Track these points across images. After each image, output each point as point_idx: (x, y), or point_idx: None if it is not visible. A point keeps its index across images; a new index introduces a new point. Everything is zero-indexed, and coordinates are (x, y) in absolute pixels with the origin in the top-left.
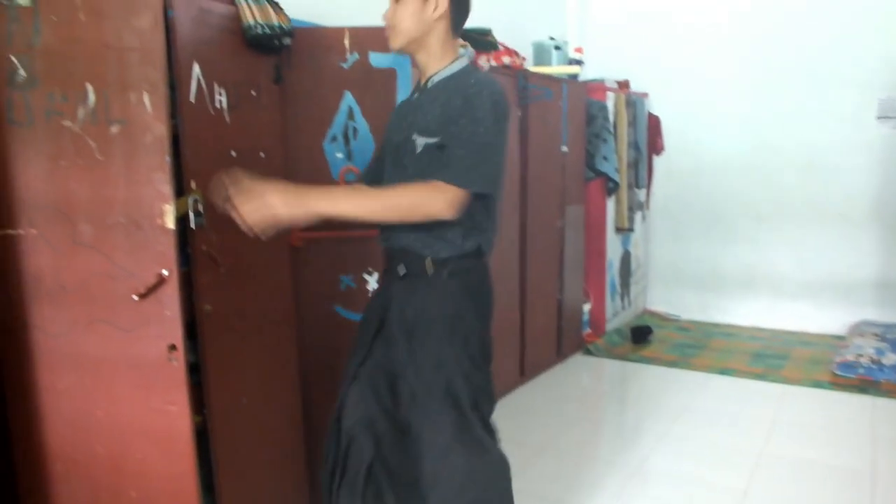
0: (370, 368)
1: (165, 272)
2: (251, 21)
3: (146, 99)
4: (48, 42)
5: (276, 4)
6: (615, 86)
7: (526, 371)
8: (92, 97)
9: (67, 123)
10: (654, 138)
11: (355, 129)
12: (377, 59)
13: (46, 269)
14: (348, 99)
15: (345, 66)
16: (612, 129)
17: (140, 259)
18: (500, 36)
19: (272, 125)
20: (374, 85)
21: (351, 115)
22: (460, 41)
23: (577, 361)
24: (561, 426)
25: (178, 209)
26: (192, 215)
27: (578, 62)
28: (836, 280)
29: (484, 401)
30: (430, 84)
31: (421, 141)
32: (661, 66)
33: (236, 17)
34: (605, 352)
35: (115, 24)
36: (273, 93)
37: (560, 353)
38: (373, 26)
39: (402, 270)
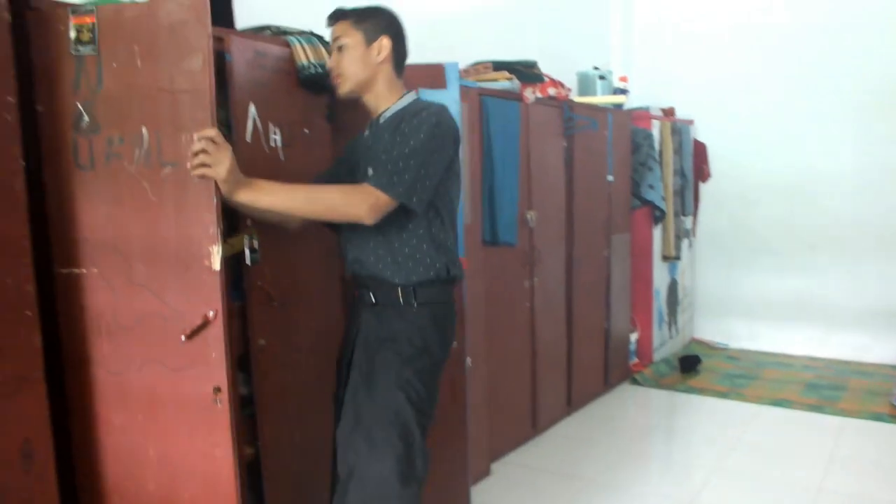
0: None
1: (211, 313)
2: (305, 61)
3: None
4: (109, 87)
5: (329, 44)
6: (660, 113)
7: (573, 401)
8: (146, 139)
9: (125, 165)
10: (700, 165)
11: None
12: (425, 96)
13: (106, 308)
14: None
15: None
16: (657, 157)
17: (189, 299)
18: (544, 67)
19: (324, 162)
20: None
21: None
22: (403, 84)
23: (625, 391)
24: (609, 459)
25: (234, 246)
26: (247, 252)
27: (623, 91)
28: (894, 308)
29: (425, 423)
30: (381, 120)
31: (371, 171)
32: (707, 92)
33: (290, 59)
34: (653, 382)
35: (168, 68)
36: (325, 130)
37: (607, 382)
38: (421, 64)
39: (371, 299)
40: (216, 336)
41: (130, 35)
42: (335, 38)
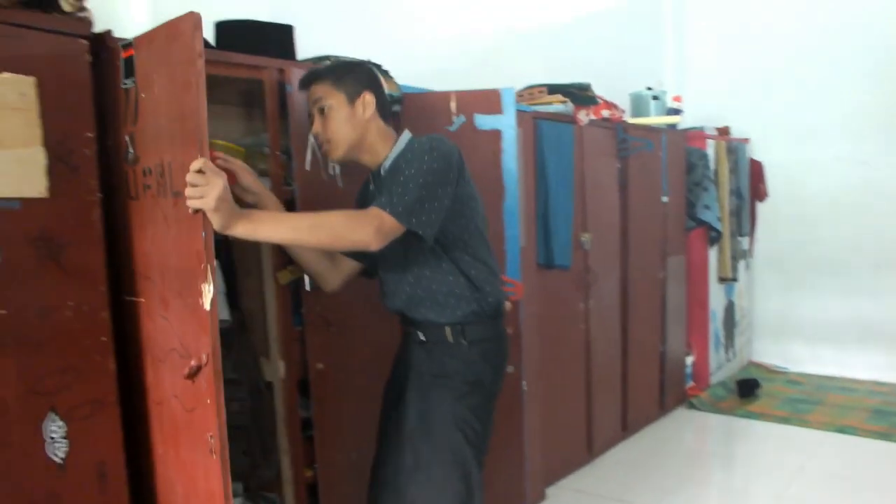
0: (392, 442)
1: (204, 357)
2: None
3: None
4: (141, 119)
5: (386, 73)
6: (715, 132)
7: (628, 425)
8: (164, 170)
9: (153, 195)
10: (756, 184)
11: None
12: (482, 122)
13: (149, 338)
14: None
15: (451, 129)
16: (713, 176)
17: (195, 338)
18: (598, 89)
19: None
20: (480, 147)
21: None
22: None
23: (681, 416)
24: (666, 485)
25: (293, 272)
26: (306, 278)
27: (677, 111)
28: None
29: (481, 458)
30: (383, 172)
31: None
32: (762, 110)
33: None
34: (710, 406)
35: (177, 94)
36: None
37: (663, 406)
38: (478, 90)
39: (420, 337)
40: (208, 381)
41: (156, 64)
42: (315, 101)
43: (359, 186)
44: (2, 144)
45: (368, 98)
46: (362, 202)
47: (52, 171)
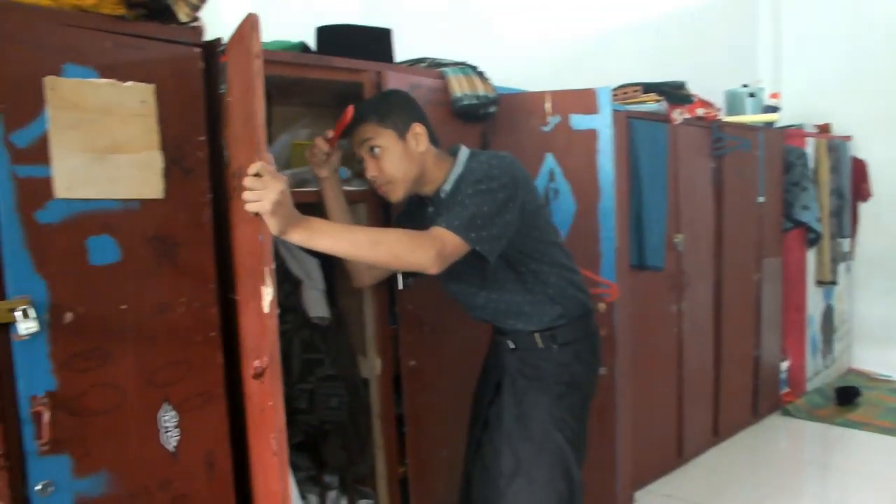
0: (488, 446)
1: (259, 364)
2: (459, 93)
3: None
4: (229, 123)
5: (482, 74)
6: (815, 130)
7: (720, 431)
8: (239, 173)
9: (237, 196)
10: (859, 184)
11: (556, 191)
12: (578, 121)
13: (243, 335)
14: (549, 161)
15: (546, 129)
16: (812, 176)
17: (258, 340)
18: (692, 87)
19: None
20: (575, 147)
21: (552, 177)
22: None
23: (775, 423)
24: (759, 493)
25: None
26: (400, 277)
27: (775, 109)
28: None
29: (581, 458)
30: (443, 195)
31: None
32: (865, 106)
33: (444, 89)
34: (806, 413)
35: (243, 96)
36: None
37: (756, 413)
38: (573, 89)
39: (511, 345)
40: (268, 384)
41: (235, 68)
42: (362, 143)
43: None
44: (125, 149)
45: (419, 129)
46: (409, 220)
47: (168, 174)
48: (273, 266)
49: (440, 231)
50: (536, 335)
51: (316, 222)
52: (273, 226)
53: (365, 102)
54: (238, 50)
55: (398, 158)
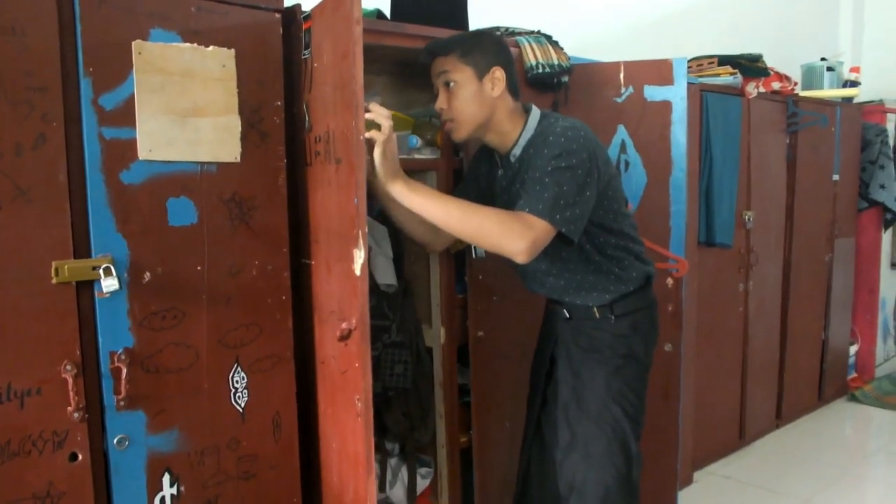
0: (546, 422)
1: (354, 322)
2: (533, 61)
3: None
4: (314, 88)
5: (556, 43)
6: None
7: (783, 414)
8: (329, 136)
9: (321, 162)
10: None
11: (627, 162)
12: (652, 93)
13: (317, 298)
14: (621, 132)
15: (619, 100)
16: (891, 154)
17: (346, 302)
18: (769, 60)
19: None
20: (648, 118)
21: (623, 149)
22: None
23: (841, 408)
24: (823, 479)
25: (463, 242)
26: (473, 247)
27: (854, 84)
28: None
29: (639, 431)
30: (512, 159)
31: (524, 201)
32: None
33: (518, 58)
34: (874, 399)
35: (337, 63)
36: None
37: (821, 397)
38: (648, 60)
39: (566, 314)
40: (357, 345)
41: (323, 35)
42: (439, 74)
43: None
44: (205, 112)
45: (499, 74)
46: (476, 182)
47: (245, 138)
48: (366, 229)
49: (529, 218)
50: (594, 309)
51: (415, 182)
52: (382, 171)
53: (454, 36)
54: (335, 16)
55: (471, 98)
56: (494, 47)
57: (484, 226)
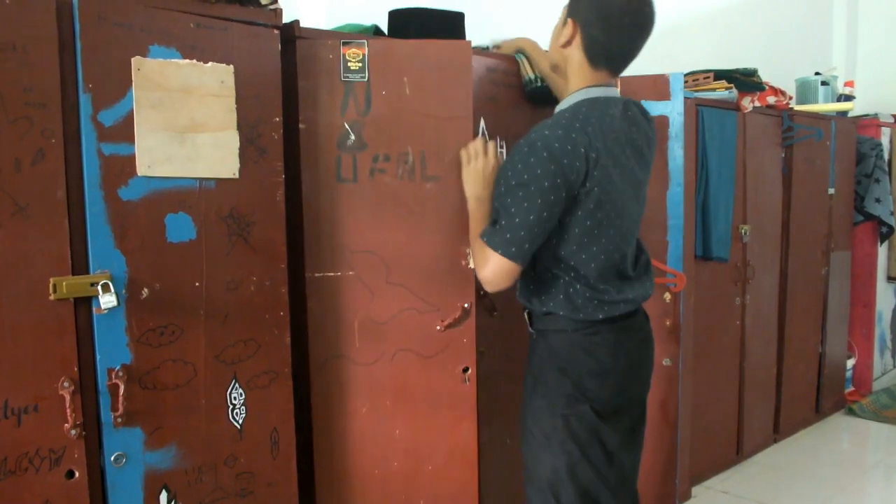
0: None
1: (467, 305)
2: (531, 75)
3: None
4: (377, 111)
5: None
6: (891, 120)
7: (780, 428)
8: (411, 157)
9: (388, 180)
10: None
11: None
12: (649, 108)
13: (360, 306)
14: None
15: None
16: (886, 167)
17: (445, 294)
18: (763, 75)
19: None
20: None
21: None
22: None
23: (838, 422)
24: (821, 494)
25: None
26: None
27: (849, 98)
28: None
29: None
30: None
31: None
32: None
33: (516, 73)
34: (872, 413)
35: (434, 97)
36: None
37: (819, 411)
38: (644, 75)
39: (528, 327)
40: (469, 324)
41: (400, 67)
42: None
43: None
44: (204, 128)
45: (570, 28)
46: None
47: (244, 154)
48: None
49: (486, 250)
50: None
51: (483, 207)
52: (464, 182)
53: None
54: (438, 61)
55: (551, 41)
56: (582, 3)
57: (475, 249)
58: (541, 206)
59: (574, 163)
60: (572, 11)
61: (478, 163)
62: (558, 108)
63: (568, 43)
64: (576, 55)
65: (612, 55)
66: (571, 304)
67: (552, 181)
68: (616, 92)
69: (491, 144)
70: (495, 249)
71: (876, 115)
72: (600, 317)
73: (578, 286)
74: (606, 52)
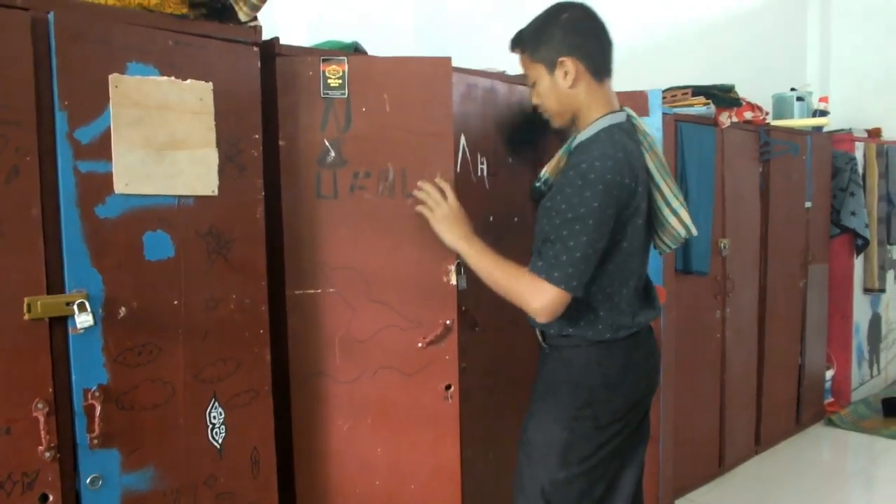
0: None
1: (449, 322)
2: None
3: (438, 176)
4: (357, 128)
5: None
6: (864, 134)
7: (762, 440)
8: (392, 174)
9: (368, 197)
10: None
11: None
12: None
13: (341, 323)
14: None
15: None
16: (861, 181)
17: (427, 311)
18: (740, 90)
19: (524, 191)
20: None
21: None
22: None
23: (818, 433)
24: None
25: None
26: (454, 277)
27: (824, 113)
28: None
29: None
30: (573, 147)
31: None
32: None
33: (494, 90)
34: (851, 424)
35: (415, 114)
36: (528, 159)
37: (799, 422)
38: (623, 91)
39: (541, 341)
40: (451, 341)
41: (380, 84)
42: (524, 72)
43: (505, 187)
44: (182, 146)
45: (569, 65)
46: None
47: (223, 171)
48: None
49: (540, 283)
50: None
51: (475, 243)
52: (439, 233)
53: (523, 29)
54: (419, 78)
55: (547, 92)
56: (559, 34)
57: (504, 289)
58: (598, 239)
59: (622, 193)
60: (555, 53)
61: (442, 209)
62: (579, 138)
63: (576, 80)
64: (583, 84)
65: (606, 57)
66: (592, 328)
67: (605, 213)
68: (625, 116)
69: (439, 182)
70: (556, 284)
71: (850, 129)
72: (619, 336)
73: (602, 313)
74: (602, 56)
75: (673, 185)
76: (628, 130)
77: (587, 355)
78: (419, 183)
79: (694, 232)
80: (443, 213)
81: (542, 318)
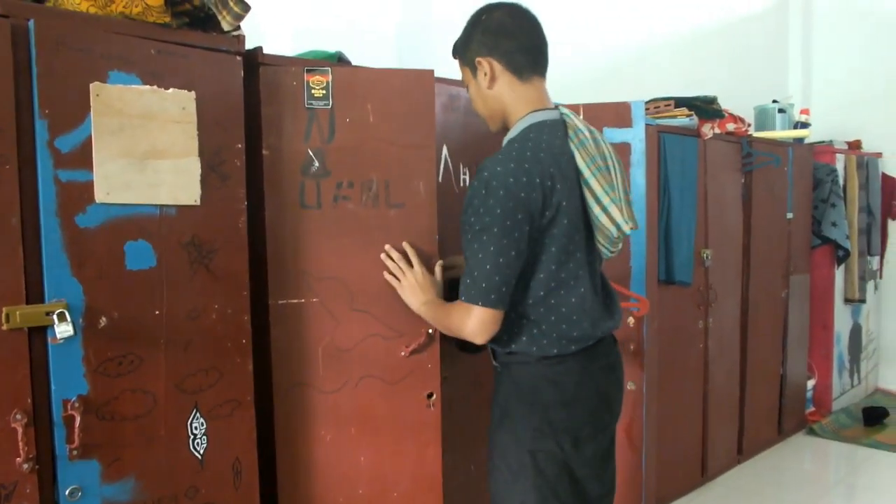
0: None
1: (431, 331)
2: None
3: (421, 186)
4: (341, 138)
5: None
6: (845, 146)
7: (744, 449)
8: (375, 184)
9: (352, 207)
10: (888, 201)
11: None
12: (611, 135)
13: (324, 333)
14: None
15: None
16: (841, 193)
17: (409, 320)
18: (723, 102)
19: None
20: None
21: None
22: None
23: (800, 442)
24: None
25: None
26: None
27: (805, 125)
28: None
29: None
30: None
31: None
32: None
33: None
34: (832, 433)
35: (398, 125)
36: None
37: (781, 431)
38: (607, 102)
39: (493, 361)
40: (433, 349)
41: (363, 95)
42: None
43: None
44: (164, 155)
45: (485, 65)
46: None
47: (205, 181)
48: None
49: (463, 306)
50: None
51: (429, 304)
52: (405, 299)
53: (459, 35)
54: (403, 90)
55: (475, 95)
56: (477, 36)
57: (448, 328)
58: (507, 246)
59: (531, 195)
60: (473, 54)
61: (407, 278)
62: (507, 138)
63: (493, 79)
64: (503, 84)
65: (531, 55)
66: (536, 344)
67: (513, 218)
68: (557, 114)
69: (406, 247)
70: (475, 302)
71: (831, 141)
72: (570, 350)
73: (545, 326)
74: (524, 54)
75: (607, 182)
76: (553, 127)
77: (536, 372)
78: (387, 247)
79: (626, 230)
80: (408, 283)
81: (478, 340)
